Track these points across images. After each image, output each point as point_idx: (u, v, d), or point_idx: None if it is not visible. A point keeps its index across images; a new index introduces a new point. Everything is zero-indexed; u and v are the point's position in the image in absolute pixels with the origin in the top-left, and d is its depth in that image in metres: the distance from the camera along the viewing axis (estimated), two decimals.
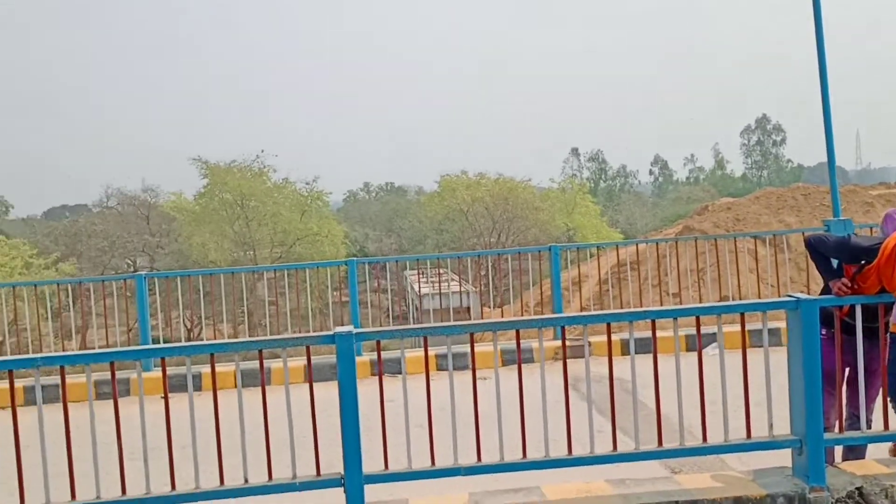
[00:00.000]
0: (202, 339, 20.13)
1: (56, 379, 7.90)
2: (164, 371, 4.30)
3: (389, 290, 11.73)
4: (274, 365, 8.74)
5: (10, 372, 4.18)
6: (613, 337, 4.57)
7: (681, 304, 10.43)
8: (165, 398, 4.24)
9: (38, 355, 4.24)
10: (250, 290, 10.73)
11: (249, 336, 10.68)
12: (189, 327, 25.84)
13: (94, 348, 9.98)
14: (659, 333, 4.54)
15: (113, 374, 4.26)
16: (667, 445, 4.53)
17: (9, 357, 4.51)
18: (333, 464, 4.40)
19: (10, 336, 10.58)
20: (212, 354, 4.32)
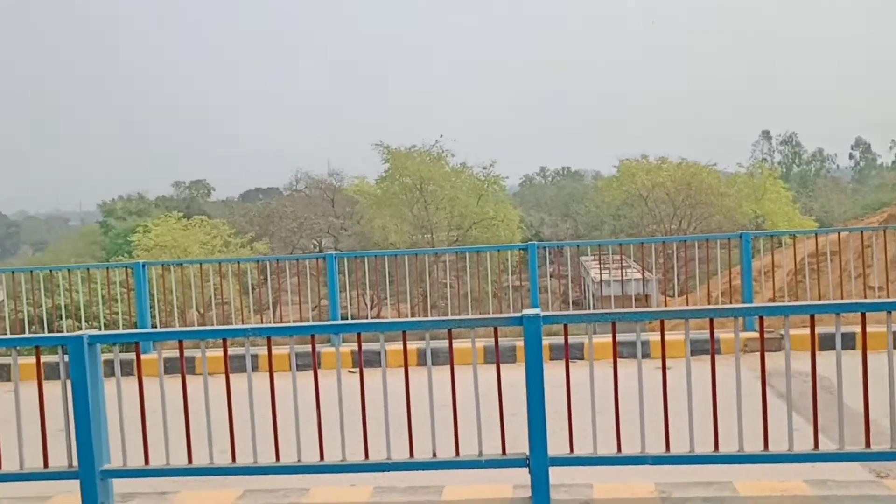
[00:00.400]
0: (383, 318, 20.90)
1: (253, 350, 8.51)
2: (359, 346, 4.50)
3: (569, 276, 11.63)
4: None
5: (224, 340, 4.53)
6: (808, 330, 4.29)
7: (888, 297, 9.64)
8: (360, 372, 4.44)
9: (249, 326, 4.57)
10: (428, 272, 11.01)
11: (426, 317, 10.98)
12: (370, 305, 26.93)
13: (288, 322, 10.62)
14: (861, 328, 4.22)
15: (313, 347, 4.52)
16: (875, 447, 4.21)
17: (222, 326, 4.89)
18: (516, 444, 4.45)
19: (213, 308, 11.45)
20: (404, 332, 4.47)
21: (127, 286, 11.07)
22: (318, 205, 46.67)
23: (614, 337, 4.33)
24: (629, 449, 4.37)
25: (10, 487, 4.75)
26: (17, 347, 4.86)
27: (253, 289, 13.22)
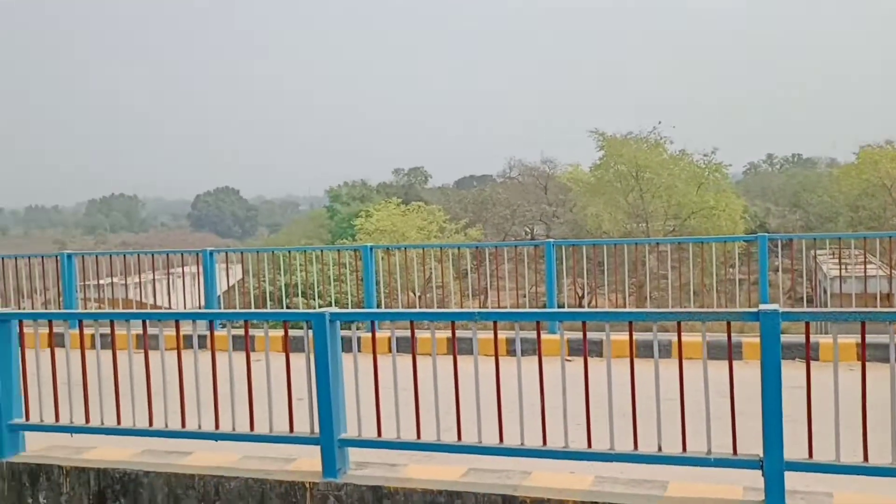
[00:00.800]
0: (598, 308, 20.64)
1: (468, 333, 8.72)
2: (584, 335, 4.48)
3: (804, 270, 10.88)
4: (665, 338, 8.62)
5: (453, 323, 4.69)
6: None
7: None
8: (585, 360, 4.43)
9: (477, 310, 4.70)
10: (642, 262, 10.76)
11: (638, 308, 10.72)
12: (580, 295, 26.73)
13: (506, 307, 10.81)
14: None
15: (538, 334, 4.57)
16: None
17: (451, 310, 5.06)
18: (744, 444, 4.26)
19: (434, 291, 11.87)
20: (630, 322, 4.40)
21: (356, 268, 11.75)
22: (530, 192, 46.96)
23: (863, 337, 4.01)
24: (877, 459, 4.04)
25: (260, 448, 5.22)
26: (267, 321, 5.34)
27: (467, 273, 13.55)
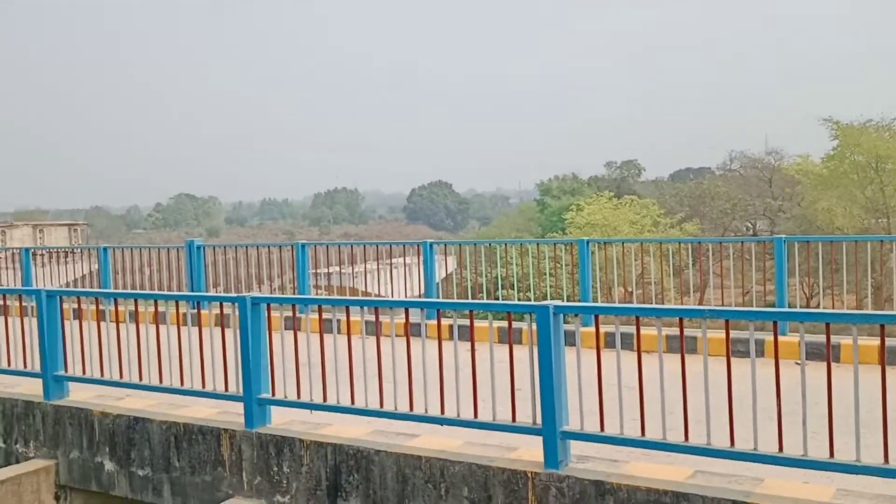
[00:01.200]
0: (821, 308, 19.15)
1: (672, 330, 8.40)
2: (828, 337, 4.18)
3: None
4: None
5: (681, 320, 4.55)
6: None
7: None
8: (828, 365, 4.14)
9: (707, 308, 4.53)
10: (882, 262, 9.84)
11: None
12: (808, 294, 24.91)
13: (729, 305, 10.32)
14: None
15: (776, 334, 4.33)
16: None
17: (680, 306, 4.92)
18: None
19: (654, 287, 11.58)
20: (882, 325, 4.05)
21: (569, 262, 11.72)
22: (752, 185, 44.40)
23: None
24: None
25: (481, 435, 5.35)
26: (490, 312, 5.47)
27: (687, 269, 13.05)
